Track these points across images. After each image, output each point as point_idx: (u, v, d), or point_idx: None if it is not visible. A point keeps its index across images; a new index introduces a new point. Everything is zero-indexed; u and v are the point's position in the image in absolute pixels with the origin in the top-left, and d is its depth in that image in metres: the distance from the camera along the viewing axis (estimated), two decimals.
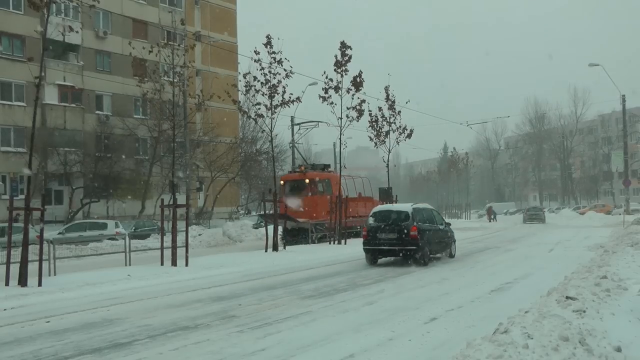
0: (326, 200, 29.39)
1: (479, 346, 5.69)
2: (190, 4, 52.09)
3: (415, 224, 19.05)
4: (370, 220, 20.26)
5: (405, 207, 20.46)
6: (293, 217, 29.09)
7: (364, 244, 20.01)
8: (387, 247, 19.45)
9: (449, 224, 22.38)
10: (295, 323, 9.72)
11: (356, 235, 30.95)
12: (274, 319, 10.03)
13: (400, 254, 19.37)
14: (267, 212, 26.01)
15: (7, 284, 14.40)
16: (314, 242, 28.41)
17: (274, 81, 23.41)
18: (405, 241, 18.86)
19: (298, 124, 37.86)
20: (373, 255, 19.92)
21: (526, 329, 5.93)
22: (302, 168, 31.61)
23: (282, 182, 31.51)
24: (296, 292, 13.29)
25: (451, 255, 21.49)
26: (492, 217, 63.26)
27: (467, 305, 11.08)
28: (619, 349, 5.87)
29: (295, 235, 29.44)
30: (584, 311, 6.85)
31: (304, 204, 29.96)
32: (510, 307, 9.72)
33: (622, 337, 6.27)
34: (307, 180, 30.22)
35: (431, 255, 19.74)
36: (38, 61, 16.09)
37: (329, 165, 35.18)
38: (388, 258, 20.21)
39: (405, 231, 18.85)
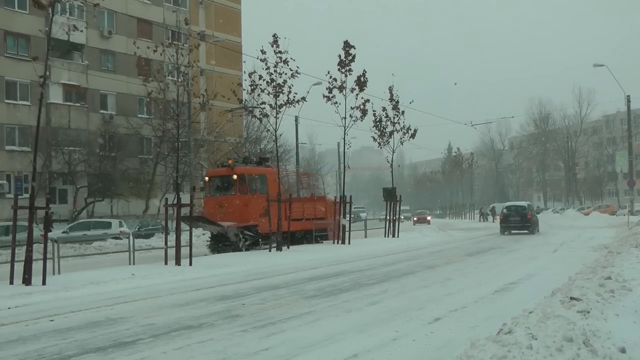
0: (259, 200, 24.92)
1: (483, 346, 5.68)
2: (194, 4, 52.14)
3: (529, 212, 36.95)
4: (505, 210, 37.75)
5: (523, 203, 39.91)
6: (213, 220, 24.14)
7: (501, 222, 37.48)
8: (514, 225, 36.27)
9: (538, 213, 44.70)
10: (299, 323, 9.72)
11: (300, 240, 27.64)
12: (278, 319, 10.03)
13: (522, 229, 35.88)
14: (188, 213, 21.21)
15: (11, 282, 14.44)
16: (241, 250, 23.98)
17: (280, 80, 23.45)
18: (524, 221, 35.88)
19: (229, 110, 31.20)
20: (506, 229, 36.61)
21: (530, 329, 5.91)
22: (230, 162, 25.83)
23: (206, 178, 26.67)
24: (300, 292, 13.30)
25: (538, 231, 36.85)
26: (485, 217, 68.58)
27: (471, 305, 11.06)
28: (623, 350, 5.84)
29: (221, 242, 25.08)
30: (588, 312, 6.82)
31: (231, 204, 24.87)
32: (514, 308, 9.70)
33: (626, 338, 6.24)
34: (235, 176, 24.96)
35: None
36: (43, 60, 16.12)
37: (267, 159, 29.95)
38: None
39: (525, 216, 36.06)
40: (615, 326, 6.53)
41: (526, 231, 35.51)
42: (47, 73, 16.45)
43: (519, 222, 35.93)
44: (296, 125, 49.79)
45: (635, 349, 5.99)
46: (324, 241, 28.98)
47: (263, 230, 25.09)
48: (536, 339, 5.64)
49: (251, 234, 25.11)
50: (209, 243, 26.09)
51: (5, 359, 7.86)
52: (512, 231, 36.23)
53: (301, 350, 7.86)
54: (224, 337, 8.70)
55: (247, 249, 24.40)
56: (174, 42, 20.03)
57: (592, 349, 5.67)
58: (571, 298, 7.66)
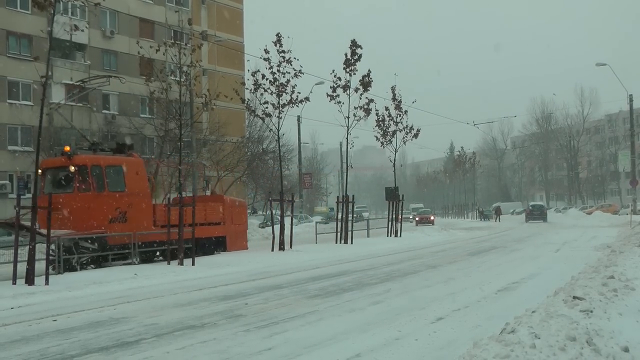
0: (110, 199, 19.06)
1: (486, 346, 5.67)
2: (196, 3, 52.10)
3: (544, 208, 60.60)
4: (529, 208, 61.03)
5: (541, 203, 73.14)
6: (35, 229, 15.98)
7: (526, 215, 59.03)
8: (535, 216, 56.20)
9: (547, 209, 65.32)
10: (301, 322, 9.72)
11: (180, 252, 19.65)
12: (281, 318, 10.03)
13: (539, 219, 55.36)
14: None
15: (14, 282, 14.46)
16: (75, 270, 17.70)
17: (283, 80, 23.39)
18: (542, 214, 56.92)
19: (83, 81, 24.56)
20: (530, 219, 56.00)
21: (533, 328, 5.91)
22: (68, 148, 19.07)
23: (40, 170, 17.92)
24: (302, 292, 13.30)
25: (546, 220, 55.00)
26: (485, 216, 71.42)
27: (474, 305, 11.05)
28: (626, 349, 5.83)
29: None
30: (591, 311, 6.82)
31: (68, 206, 18.25)
32: (517, 307, 9.68)
33: (629, 338, 6.24)
34: (72, 168, 18.65)
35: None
36: (44, 60, 16.12)
37: (130, 146, 21.98)
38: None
39: (542, 211, 58.18)
40: (618, 325, 6.52)
41: (542, 220, 55.04)
42: (50, 73, 16.47)
43: (539, 214, 56.93)
44: (298, 125, 49.92)
45: (638, 348, 5.97)
46: (221, 252, 23.29)
47: (116, 240, 19.40)
48: (539, 338, 5.63)
49: (92, 246, 18.62)
50: (51, 257, 17.04)
51: (8, 359, 7.88)
52: (534, 220, 55.50)
53: (304, 350, 7.86)
54: (227, 337, 8.70)
55: (82, 268, 18.17)
56: (177, 42, 19.97)
57: (595, 348, 5.67)
58: (574, 297, 7.66)
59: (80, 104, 42.81)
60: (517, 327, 6.07)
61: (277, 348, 7.97)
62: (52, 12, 15.50)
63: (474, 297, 11.95)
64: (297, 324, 9.61)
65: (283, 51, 23.23)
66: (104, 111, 44.77)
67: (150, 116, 45.18)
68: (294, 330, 9.13)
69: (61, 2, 15.44)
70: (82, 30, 39.91)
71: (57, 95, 41.48)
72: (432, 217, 60.49)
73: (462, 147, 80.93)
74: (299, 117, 47.48)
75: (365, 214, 68.83)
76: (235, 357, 7.55)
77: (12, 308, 11.94)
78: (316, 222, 38.66)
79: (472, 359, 5.24)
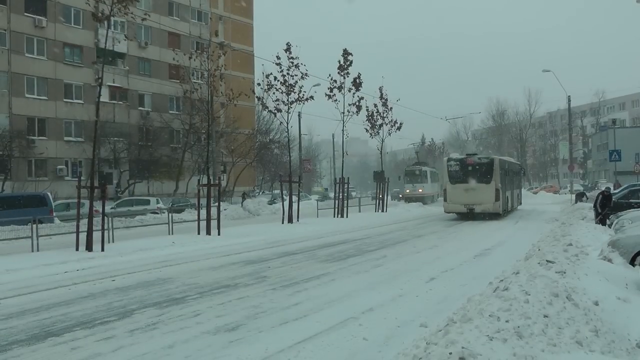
0: None
1: (488, 300, 5.62)
2: (215, 20, 51.59)
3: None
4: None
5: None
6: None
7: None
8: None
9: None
10: (318, 282, 9.62)
11: None
12: (300, 279, 9.94)
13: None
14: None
15: (77, 249, 14.33)
16: None
17: (292, 81, 23.31)
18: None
19: None
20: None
21: (523, 287, 5.84)
22: None
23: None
24: (313, 257, 13.19)
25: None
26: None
27: (458, 267, 11.01)
28: (596, 303, 5.80)
29: None
30: (564, 272, 6.74)
31: None
32: (493, 269, 9.68)
33: (597, 294, 6.19)
34: None
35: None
36: (95, 65, 15.90)
37: None
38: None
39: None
40: (587, 284, 6.46)
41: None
42: (102, 76, 16.37)
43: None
44: (299, 120, 49.49)
45: (605, 302, 5.94)
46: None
47: None
48: (529, 295, 5.56)
49: None
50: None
51: (84, 310, 7.78)
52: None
53: (325, 305, 7.77)
54: (258, 295, 8.61)
55: None
56: (205, 51, 19.77)
57: (574, 303, 5.61)
58: (547, 261, 7.58)
59: (121, 102, 42.61)
60: (509, 286, 5.99)
61: (303, 304, 7.88)
62: (107, 25, 15.26)
63: (456, 261, 11.90)
64: (314, 283, 9.52)
65: (292, 57, 23.11)
66: (140, 108, 44.48)
67: (177, 112, 45.14)
68: (313, 289, 9.03)
69: (113, 17, 15.08)
70: (120, 43, 39.58)
71: (102, 95, 41.13)
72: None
73: (432, 139, 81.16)
74: (299, 113, 47.13)
75: (354, 193, 68.74)
76: (269, 311, 7.46)
77: (77, 270, 11.80)
78: (316, 200, 38.58)
79: (479, 310, 5.17)
